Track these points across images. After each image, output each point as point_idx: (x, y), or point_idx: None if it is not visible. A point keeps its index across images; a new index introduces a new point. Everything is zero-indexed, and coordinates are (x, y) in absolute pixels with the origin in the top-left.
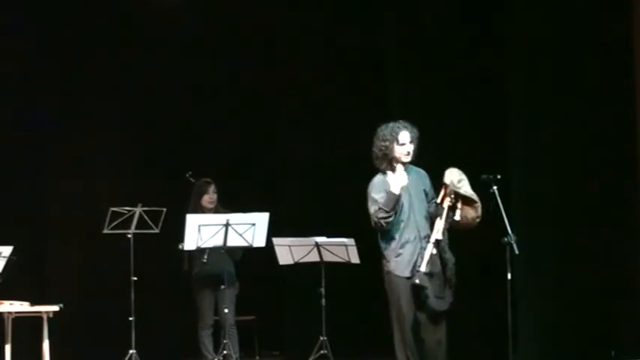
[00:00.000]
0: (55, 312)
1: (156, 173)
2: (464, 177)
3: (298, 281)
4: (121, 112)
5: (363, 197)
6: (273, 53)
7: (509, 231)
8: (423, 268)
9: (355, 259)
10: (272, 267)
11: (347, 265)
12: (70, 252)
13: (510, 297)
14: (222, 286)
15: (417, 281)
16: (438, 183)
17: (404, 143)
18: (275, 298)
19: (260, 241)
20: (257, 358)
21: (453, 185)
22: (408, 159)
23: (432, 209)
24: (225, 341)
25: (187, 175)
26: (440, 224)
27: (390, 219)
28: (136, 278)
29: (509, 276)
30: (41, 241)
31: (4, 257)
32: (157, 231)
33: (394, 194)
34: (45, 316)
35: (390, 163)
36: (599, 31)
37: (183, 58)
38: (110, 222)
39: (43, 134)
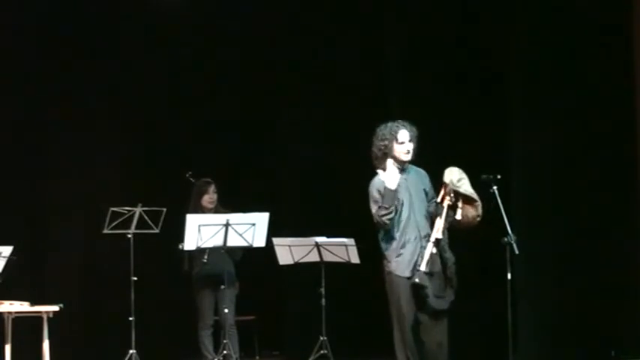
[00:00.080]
0: (55, 312)
1: (156, 173)
2: (464, 176)
3: (298, 281)
4: (121, 112)
5: (363, 197)
6: (273, 53)
7: (509, 231)
8: (423, 268)
9: (355, 259)
10: (272, 267)
11: (347, 265)
12: (70, 252)
13: (510, 297)
14: (222, 286)
15: (417, 280)
16: (437, 183)
17: (403, 142)
18: (275, 298)
19: (260, 241)
20: (257, 358)
21: (453, 184)
22: (408, 157)
23: (431, 209)
24: (225, 341)
25: (187, 175)
26: (440, 223)
27: (391, 215)
28: (136, 278)
29: (509, 276)
30: (41, 241)
31: (4, 257)
32: (157, 231)
33: (390, 189)
34: (45, 316)
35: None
36: (599, 31)
37: (183, 58)
38: (110, 222)
39: (43, 134)
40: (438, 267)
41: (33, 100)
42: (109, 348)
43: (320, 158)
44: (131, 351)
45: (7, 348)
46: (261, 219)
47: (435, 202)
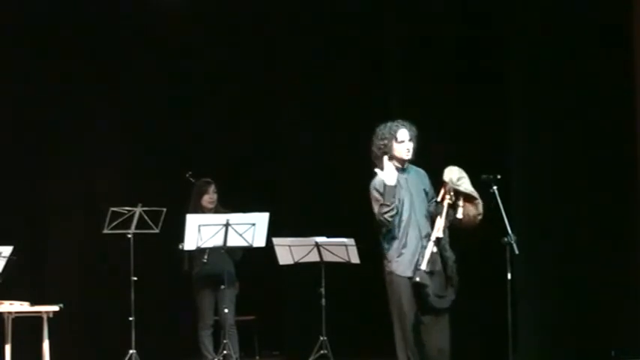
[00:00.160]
0: (55, 312)
1: (156, 173)
2: (464, 175)
3: (298, 281)
4: (121, 112)
5: (363, 197)
6: (273, 53)
7: (509, 231)
8: (423, 267)
9: (355, 259)
10: (272, 267)
11: (347, 265)
12: (70, 252)
13: (510, 297)
14: (222, 286)
15: (418, 279)
16: (437, 182)
17: (403, 141)
18: (275, 298)
19: (260, 241)
20: (257, 358)
21: (453, 183)
22: (408, 156)
23: (432, 208)
24: (225, 341)
25: (187, 175)
26: (440, 222)
27: (393, 212)
28: (136, 278)
29: (509, 276)
30: (41, 241)
31: (4, 257)
32: (157, 231)
33: (389, 185)
34: (45, 316)
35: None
36: (599, 31)
37: (183, 58)
38: (110, 222)
39: (43, 134)
40: (438, 266)
41: (33, 100)
42: (109, 348)
43: (320, 158)
44: (131, 351)
45: (7, 348)
46: (261, 219)
47: (436, 201)
